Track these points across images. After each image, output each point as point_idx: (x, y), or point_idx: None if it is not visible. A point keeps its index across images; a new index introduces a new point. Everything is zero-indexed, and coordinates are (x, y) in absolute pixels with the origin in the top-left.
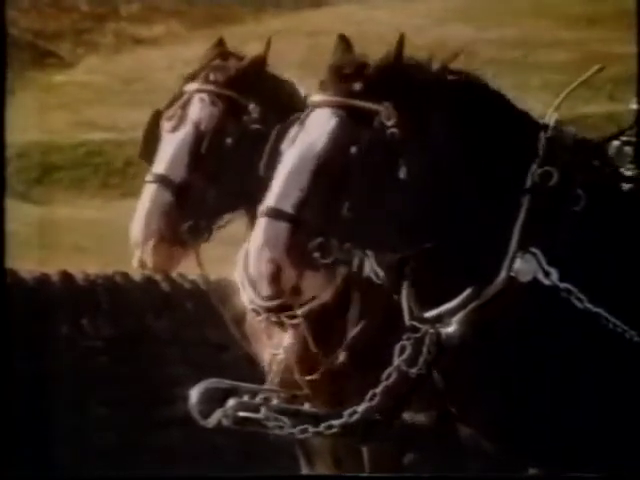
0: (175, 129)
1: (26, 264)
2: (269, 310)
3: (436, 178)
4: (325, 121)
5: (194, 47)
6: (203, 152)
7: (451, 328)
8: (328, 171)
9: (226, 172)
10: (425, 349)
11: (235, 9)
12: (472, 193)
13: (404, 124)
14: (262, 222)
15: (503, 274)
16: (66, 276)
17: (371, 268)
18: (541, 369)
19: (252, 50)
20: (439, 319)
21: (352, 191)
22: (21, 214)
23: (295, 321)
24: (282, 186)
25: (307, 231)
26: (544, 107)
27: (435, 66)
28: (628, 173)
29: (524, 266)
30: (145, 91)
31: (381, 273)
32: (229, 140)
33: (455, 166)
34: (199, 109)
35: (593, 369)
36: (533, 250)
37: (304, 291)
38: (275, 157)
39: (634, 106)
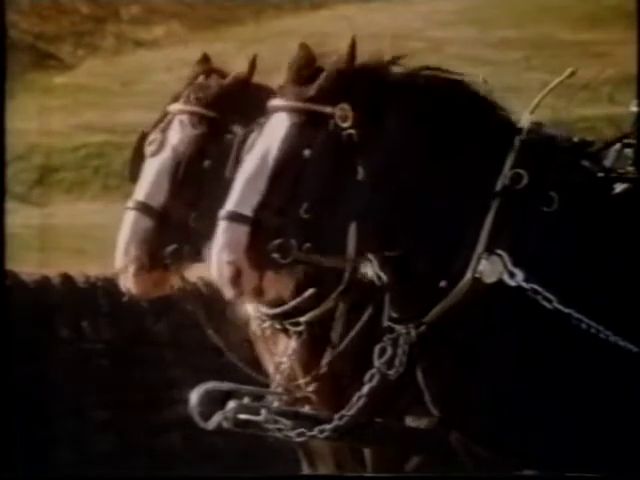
0: (155, 154)
1: (26, 266)
2: (273, 318)
3: (398, 179)
4: (280, 125)
5: (194, 49)
6: (180, 177)
7: (421, 329)
8: (284, 174)
9: (207, 195)
10: (400, 350)
11: (235, 11)
12: (440, 195)
13: (361, 125)
14: (222, 225)
15: (468, 275)
16: (66, 278)
17: (374, 272)
18: (510, 370)
19: (251, 52)
20: (410, 319)
21: (309, 193)
22: (21, 216)
23: (299, 328)
24: (241, 190)
25: (266, 233)
26: (541, 109)
27: (401, 68)
28: (615, 174)
29: (489, 267)
30: (145, 93)
31: (384, 277)
32: (207, 162)
33: (420, 168)
34: (178, 132)
35: (568, 370)
36: (499, 252)
37: (266, 291)
38: (238, 164)
39: (634, 108)
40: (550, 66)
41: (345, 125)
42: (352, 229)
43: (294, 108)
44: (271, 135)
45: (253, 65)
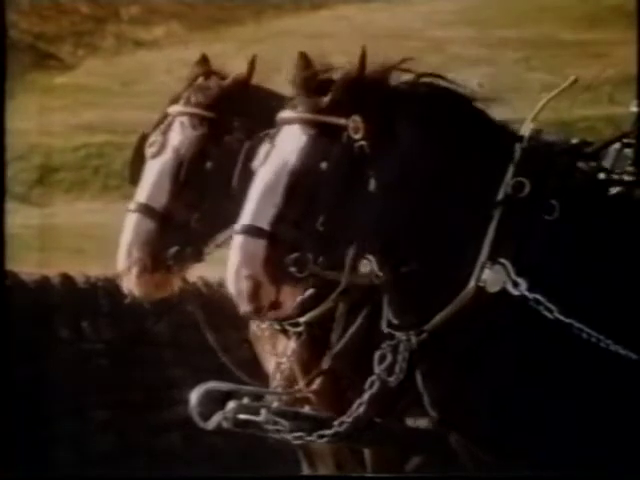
0: (156, 155)
1: (26, 266)
2: (273, 318)
3: (407, 190)
4: (295, 138)
5: (194, 49)
6: (182, 179)
7: (422, 336)
8: (301, 187)
9: (209, 196)
10: (400, 357)
11: (235, 11)
12: (445, 203)
13: (372, 137)
14: (238, 240)
15: (472, 284)
16: (66, 278)
17: (372, 272)
18: (511, 377)
19: (251, 53)
20: (411, 327)
21: (325, 206)
22: (21, 216)
23: (299, 329)
24: (256, 203)
25: (283, 247)
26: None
27: (404, 77)
28: (615, 176)
29: (492, 276)
30: (145, 93)
31: (384, 281)
32: (209, 164)
33: (427, 177)
34: (179, 134)
35: (568, 376)
36: (502, 261)
37: (283, 306)
38: (246, 174)
39: (634, 108)
40: (550, 66)
41: (357, 137)
42: (359, 239)
43: (307, 120)
44: (286, 147)
45: (252, 66)
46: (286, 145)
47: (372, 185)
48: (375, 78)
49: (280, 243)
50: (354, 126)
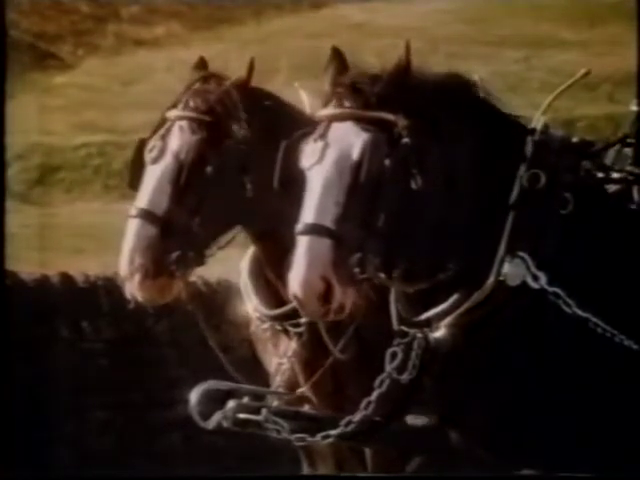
0: (156, 161)
1: (26, 266)
2: (274, 319)
3: (447, 186)
4: (353, 134)
5: (194, 48)
6: (183, 183)
7: (439, 332)
8: (364, 185)
9: (210, 200)
10: (413, 354)
11: (235, 10)
12: (465, 198)
13: (415, 134)
14: (304, 240)
15: (491, 278)
16: (66, 278)
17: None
18: (530, 373)
19: (251, 52)
20: (427, 323)
21: (386, 204)
22: (21, 216)
23: (300, 329)
24: (318, 201)
25: (347, 246)
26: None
27: (430, 71)
28: (616, 175)
29: (513, 270)
30: (145, 93)
31: (396, 278)
32: (209, 168)
33: (459, 175)
34: (178, 139)
35: (582, 372)
36: (521, 254)
37: (346, 306)
38: (288, 172)
39: (634, 108)
40: (550, 66)
41: (404, 133)
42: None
43: (359, 116)
44: (344, 144)
45: (251, 69)
46: (344, 142)
47: (415, 183)
48: (414, 74)
49: (344, 242)
50: (402, 122)
